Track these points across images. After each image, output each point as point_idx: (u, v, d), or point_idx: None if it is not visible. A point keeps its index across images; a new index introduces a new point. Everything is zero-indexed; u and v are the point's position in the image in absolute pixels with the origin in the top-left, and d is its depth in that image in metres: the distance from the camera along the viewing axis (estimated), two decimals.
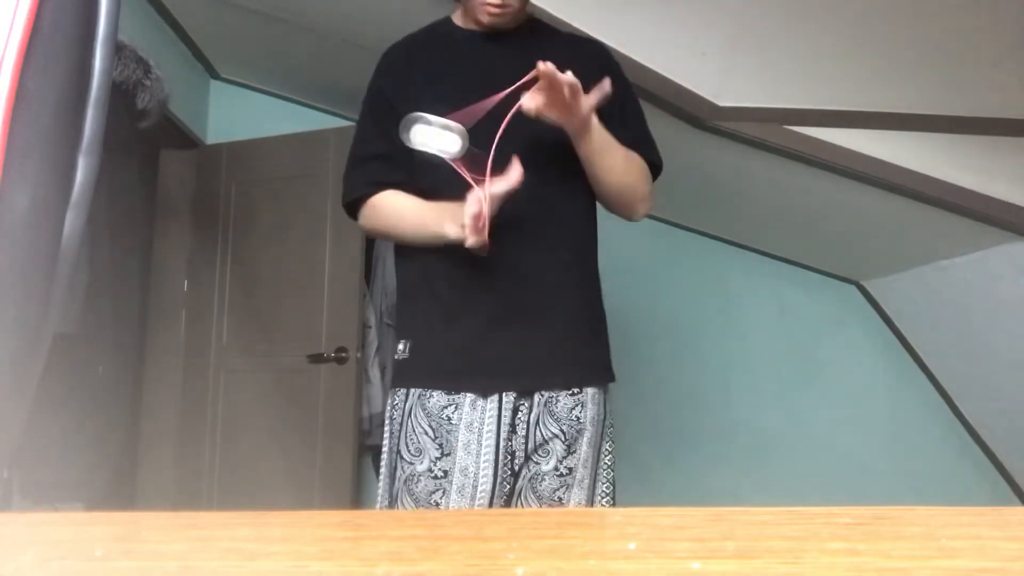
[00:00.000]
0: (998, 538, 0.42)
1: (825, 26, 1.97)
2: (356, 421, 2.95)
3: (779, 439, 3.38)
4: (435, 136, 1.22)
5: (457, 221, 1.22)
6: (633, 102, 1.50)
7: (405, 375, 1.40)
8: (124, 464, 3.06)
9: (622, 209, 1.46)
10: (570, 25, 2.05)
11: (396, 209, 1.40)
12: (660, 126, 2.46)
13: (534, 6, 1.92)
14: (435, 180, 1.31)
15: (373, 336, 3.19)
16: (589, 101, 1.26)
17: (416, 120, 1.22)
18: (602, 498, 1.42)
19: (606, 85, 1.27)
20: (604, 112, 1.35)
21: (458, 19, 1.48)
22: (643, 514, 0.46)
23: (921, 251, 2.80)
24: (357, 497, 2.99)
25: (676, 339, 3.48)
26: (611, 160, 1.37)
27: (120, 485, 3.00)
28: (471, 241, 1.21)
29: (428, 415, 1.34)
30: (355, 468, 2.93)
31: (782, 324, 3.48)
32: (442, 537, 0.45)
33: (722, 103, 2.28)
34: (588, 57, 1.46)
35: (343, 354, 2.92)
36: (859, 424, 3.36)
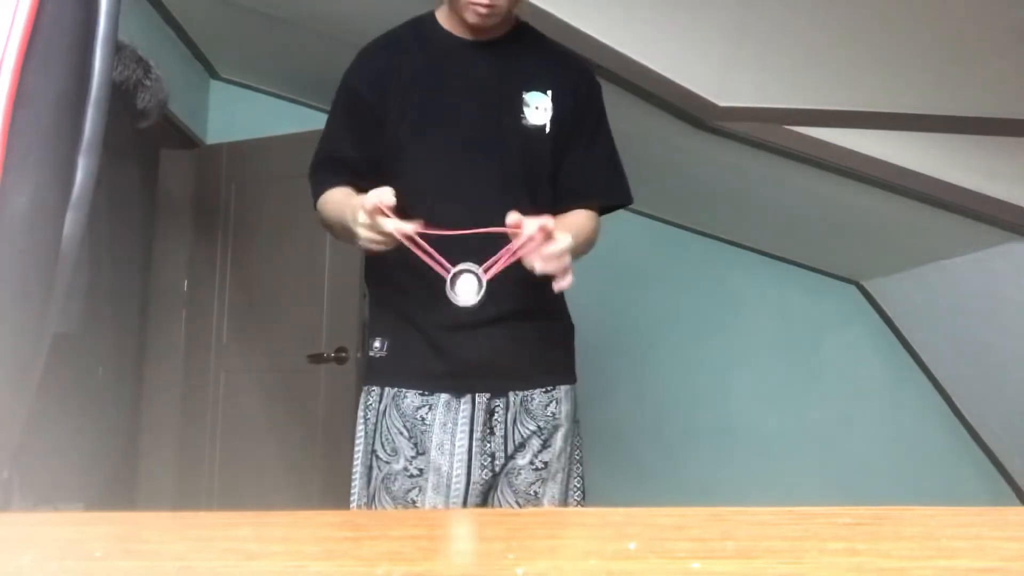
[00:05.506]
0: (998, 538, 0.42)
1: (826, 26, 1.97)
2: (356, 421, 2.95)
3: (779, 439, 3.38)
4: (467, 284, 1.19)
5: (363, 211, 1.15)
6: (606, 132, 1.46)
7: (381, 373, 1.40)
8: (124, 464, 3.06)
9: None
10: (569, 25, 2.05)
11: (329, 201, 1.37)
12: (661, 127, 2.48)
13: (534, 6, 1.92)
14: (405, 187, 1.22)
15: None
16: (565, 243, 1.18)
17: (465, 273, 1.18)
18: (575, 492, 1.45)
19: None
20: (575, 136, 1.38)
21: (442, 17, 1.41)
22: (643, 514, 0.46)
23: (921, 251, 2.80)
24: None
25: (676, 339, 3.48)
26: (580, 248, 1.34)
27: (120, 485, 3.00)
28: (364, 235, 1.16)
29: (402, 415, 1.35)
30: None
31: (782, 324, 3.48)
32: (442, 537, 0.45)
33: (723, 103, 2.28)
34: (575, 76, 1.44)
35: (343, 354, 2.92)
36: (859, 424, 3.36)
